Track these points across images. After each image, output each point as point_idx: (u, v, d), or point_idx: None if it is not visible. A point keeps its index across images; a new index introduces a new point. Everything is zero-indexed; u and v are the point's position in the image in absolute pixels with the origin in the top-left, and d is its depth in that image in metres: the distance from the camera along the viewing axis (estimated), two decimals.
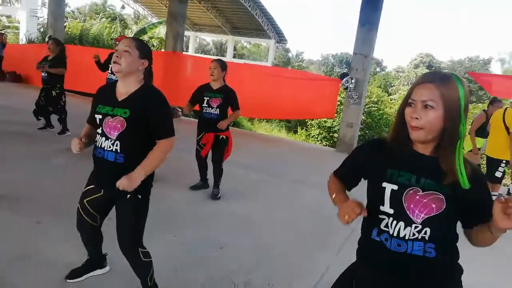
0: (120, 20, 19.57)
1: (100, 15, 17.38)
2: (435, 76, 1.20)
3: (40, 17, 17.24)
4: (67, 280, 2.25)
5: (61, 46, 5.67)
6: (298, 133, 19.23)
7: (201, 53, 42.70)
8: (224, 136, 4.01)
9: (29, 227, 2.91)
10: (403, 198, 1.22)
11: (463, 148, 1.27)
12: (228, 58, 34.66)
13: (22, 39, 15.45)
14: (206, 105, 3.89)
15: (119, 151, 1.86)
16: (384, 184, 1.26)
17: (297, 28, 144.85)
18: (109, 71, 5.24)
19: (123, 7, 33.81)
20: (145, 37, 13.94)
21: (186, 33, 37.83)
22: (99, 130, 1.92)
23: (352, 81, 7.51)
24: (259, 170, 5.53)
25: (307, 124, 18.45)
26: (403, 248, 1.23)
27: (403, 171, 1.25)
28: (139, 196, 1.95)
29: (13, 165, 4.28)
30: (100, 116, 1.88)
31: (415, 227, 1.21)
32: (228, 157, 4.17)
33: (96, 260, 2.34)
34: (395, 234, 1.24)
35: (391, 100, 24.29)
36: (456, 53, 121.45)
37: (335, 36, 67.00)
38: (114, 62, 1.86)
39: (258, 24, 31.94)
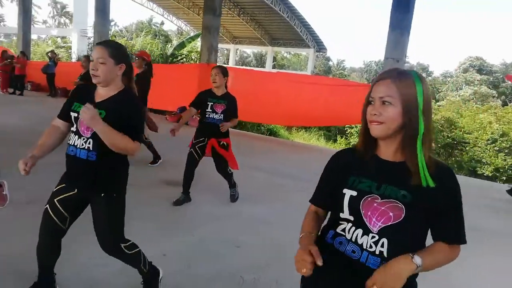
0: (163, 36, 20.51)
1: (143, 32, 18.26)
2: (393, 73, 1.19)
3: (90, 37, 18.49)
4: None
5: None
6: (338, 141, 18.97)
7: (241, 65, 43.56)
8: (225, 142, 4.03)
9: None
10: (360, 205, 1.19)
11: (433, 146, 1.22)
12: (267, 68, 35.05)
13: (73, 57, 16.67)
14: (210, 110, 3.90)
15: (91, 148, 1.87)
16: (344, 191, 1.23)
17: (338, 37, 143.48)
18: None
19: (162, 23, 35.35)
20: (184, 51, 14.51)
21: (226, 46, 38.87)
22: (73, 128, 1.92)
23: None
24: (284, 175, 5.59)
25: (347, 132, 18.16)
26: (357, 256, 1.19)
27: (365, 178, 1.22)
28: (114, 195, 1.98)
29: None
30: (76, 114, 1.88)
31: (372, 237, 1.17)
32: (237, 167, 4.13)
33: (48, 280, 2.13)
34: (353, 240, 1.21)
35: (438, 106, 23.27)
36: (510, 55, 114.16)
37: (378, 42, 65.09)
38: (93, 75, 1.87)
39: (297, 34, 32.15)
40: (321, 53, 39.26)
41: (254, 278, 2.67)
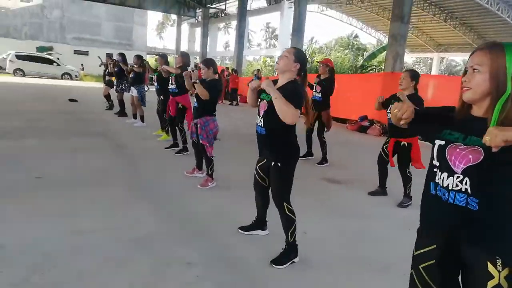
0: (356, 48, 20.91)
1: (335, 47, 19.14)
2: (486, 44, 1.35)
3: None
4: (239, 230, 3.15)
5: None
6: None
7: (448, 75, 39.40)
8: (406, 143, 4.11)
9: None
10: (446, 151, 1.37)
11: None
12: None
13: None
14: (389, 112, 4.04)
15: (262, 125, 2.59)
16: (435, 141, 1.43)
17: None
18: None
19: (355, 36, 35.53)
20: (374, 61, 14.52)
21: (429, 55, 35.96)
22: (257, 111, 2.67)
23: None
24: None
25: None
26: (445, 197, 1.36)
27: (454, 131, 1.40)
28: (279, 164, 2.60)
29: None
30: (259, 101, 2.67)
31: (457, 177, 1.33)
32: (421, 166, 4.11)
33: (261, 221, 3.11)
34: (440, 184, 1.39)
35: None
36: None
37: None
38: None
39: None
40: None
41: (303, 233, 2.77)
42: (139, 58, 8.06)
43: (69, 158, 5.15)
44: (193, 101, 4.33)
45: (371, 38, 36.11)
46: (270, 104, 2.48)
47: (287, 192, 2.69)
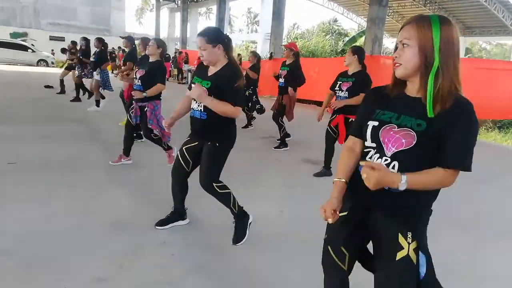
0: (338, 33, 20.93)
1: (316, 32, 19.14)
2: (413, 18, 1.32)
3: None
4: (156, 227, 2.85)
5: (258, 57, 7.14)
6: None
7: None
8: (353, 119, 4.14)
9: None
10: (380, 133, 1.34)
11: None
12: None
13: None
14: (338, 89, 4.18)
15: (202, 110, 2.49)
16: (369, 122, 1.39)
17: None
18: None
19: (335, 20, 35.55)
20: (355, 44, 14.57)
21: None
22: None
23: None
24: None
25: None
26: None
27: (388, 111, 1.37)
28: (217, 144, 2.54)
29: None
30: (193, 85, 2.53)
31: (385, 160, 1.32)
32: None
33: (179, 211, 2.92)
34: None
35: None
36: None
37: None
38: (202, 59, 2.51)
39: (498, 20, 27.42)
40: None
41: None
42: (100, 40, 7.93)
43: (44, 144, 5.04)
44: (136, 83, 4.17)
45: (352, 23, 36.26)
46: (210, 90, 2.43)
47: (218, 174, 2.63)
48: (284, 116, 5.98)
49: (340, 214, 1.44)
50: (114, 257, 2.42)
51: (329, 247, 1.51)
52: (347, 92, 4.10)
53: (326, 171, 4.54)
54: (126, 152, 4.45)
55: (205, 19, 51.08)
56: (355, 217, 1.45)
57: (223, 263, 2.48)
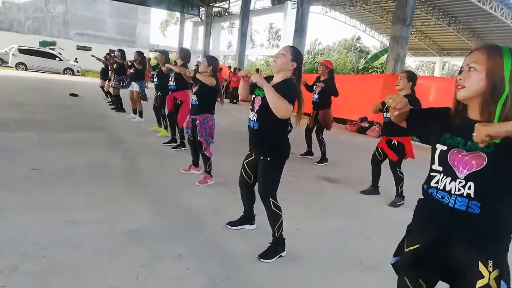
0: (359, 50, 20.89)
1: (338, 48, 19.15)
2: (484, 45, 1.36)
3: None
4: (227, 226, 3.15)
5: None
6: None
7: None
8: (396, 142, 4.13)
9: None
10: (448, 156, 1.36)
11: None
12: None
13: None
14: (385, 111, 4.07)
15: (255, 120, 2.58)
16: (437, 146, 1.41)
17: None
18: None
19: (358, 38, 35.48)
20: (376, 63, 14.53)
21: (433, 58, 35.94)
22: (251, 106, 2.67)
23: None
24: None
25: None
26: (446, 201, 1.35)
27: (454, 136, 1.38)
28: (268, 159, 2.60)
29: None
30: (253, 96, 2.66)
31: (459, 182, 1.32)
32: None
33: (248, 216, 3.13)
34: (441, 188, 1.37)
35: None
36: None
37: None
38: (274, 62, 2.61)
39: None
40: None
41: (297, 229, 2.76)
42: (140, 54, 8.08)
43: (66, 151, 5.14)
44: (192, 98, 4.31)
45: (374, 40, 36.16)
46: (264, 99, 2.49)
47: (274, 188, 2.69)
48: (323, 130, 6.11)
49: (412, 248, 1.44)
50: (130, 268, 2.41)
51: (405, 278, 1.47)
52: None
53: (373, 189, 4.58)
54: (195, 163, 4.70)
55: (228, 33, 51.89)
56: (429, 248, 1.42)
57: (239, 280, 2.44)
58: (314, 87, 6.01)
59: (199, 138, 4.22)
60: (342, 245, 3.11)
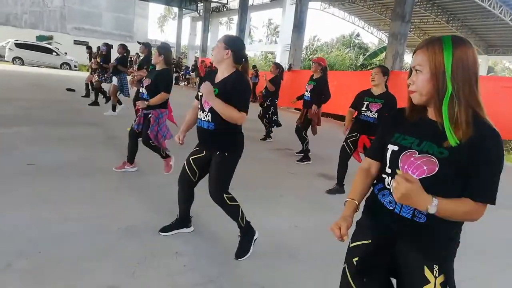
0: (358, 47, 20.85)
1: (336, 45, 19.10)
2: (425, 41, 1.25)
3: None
4: (160, 233, 2.84)
5: (280, 69, 7.08)
6: None
7: None
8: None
9: None
10: (399, 159, 1.27)
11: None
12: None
13: None
14: (365, 109, 4.06)
15: (210, 120, 2.43)
16: (388, 146, 1.33)
17: None
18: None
19: (357, 35, 35.35)
20: (375, 60, 14.53)
21: None
22: (199, 105, 2.52)
23: None
24: None
25: None
26: (392, 206, 1.30)
27: (408, 135, 1.30)
28: (226, 154, 2.49)
29: None
30: (200, 94, 2.45)
31: None
32: None
33: (184, 219, 2.90)
34: (388, 193, 1.31)
35: None
36: None
37: None
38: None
39: None
40: None
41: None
42: (123, 47, 8.04)
43: (60, 147, 5.11)
44: (142, 92, 4.11)
45: (373, 37, 36.08)
46: (217, 96, 2.37)
47: (227, 184, 2.58)
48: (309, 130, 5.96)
49: (362, 242, 1.39)
50: (126, 264, 2.39)
51: (349, 277, 1.42)
52: (376, 114, 4.01)
53: (339, 188, 4.42)
54: (131, 159, 4.38)
55: (226, 29, 51.65)
56: (378, 246, 1.37)
57: (236, 276, 2.43)
58: (306, 85, 5.84)
59: (148, 133, 4.05)
60: (339, 241, 3.09)
